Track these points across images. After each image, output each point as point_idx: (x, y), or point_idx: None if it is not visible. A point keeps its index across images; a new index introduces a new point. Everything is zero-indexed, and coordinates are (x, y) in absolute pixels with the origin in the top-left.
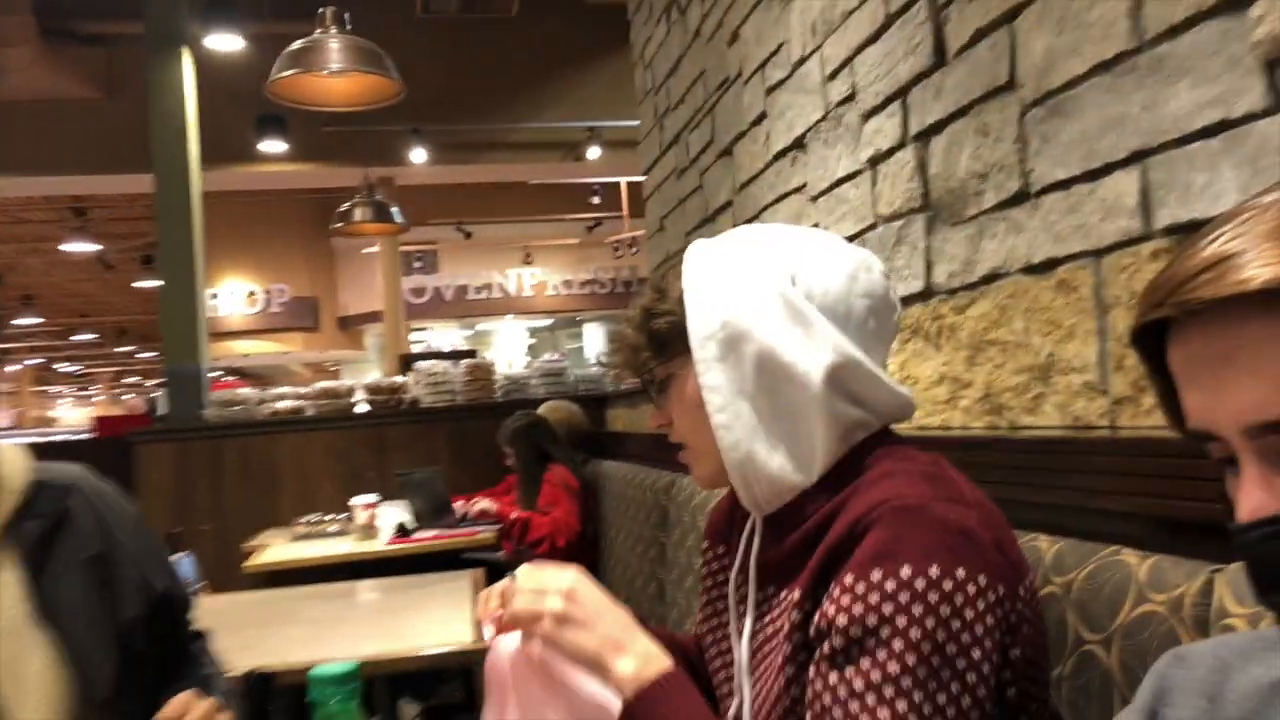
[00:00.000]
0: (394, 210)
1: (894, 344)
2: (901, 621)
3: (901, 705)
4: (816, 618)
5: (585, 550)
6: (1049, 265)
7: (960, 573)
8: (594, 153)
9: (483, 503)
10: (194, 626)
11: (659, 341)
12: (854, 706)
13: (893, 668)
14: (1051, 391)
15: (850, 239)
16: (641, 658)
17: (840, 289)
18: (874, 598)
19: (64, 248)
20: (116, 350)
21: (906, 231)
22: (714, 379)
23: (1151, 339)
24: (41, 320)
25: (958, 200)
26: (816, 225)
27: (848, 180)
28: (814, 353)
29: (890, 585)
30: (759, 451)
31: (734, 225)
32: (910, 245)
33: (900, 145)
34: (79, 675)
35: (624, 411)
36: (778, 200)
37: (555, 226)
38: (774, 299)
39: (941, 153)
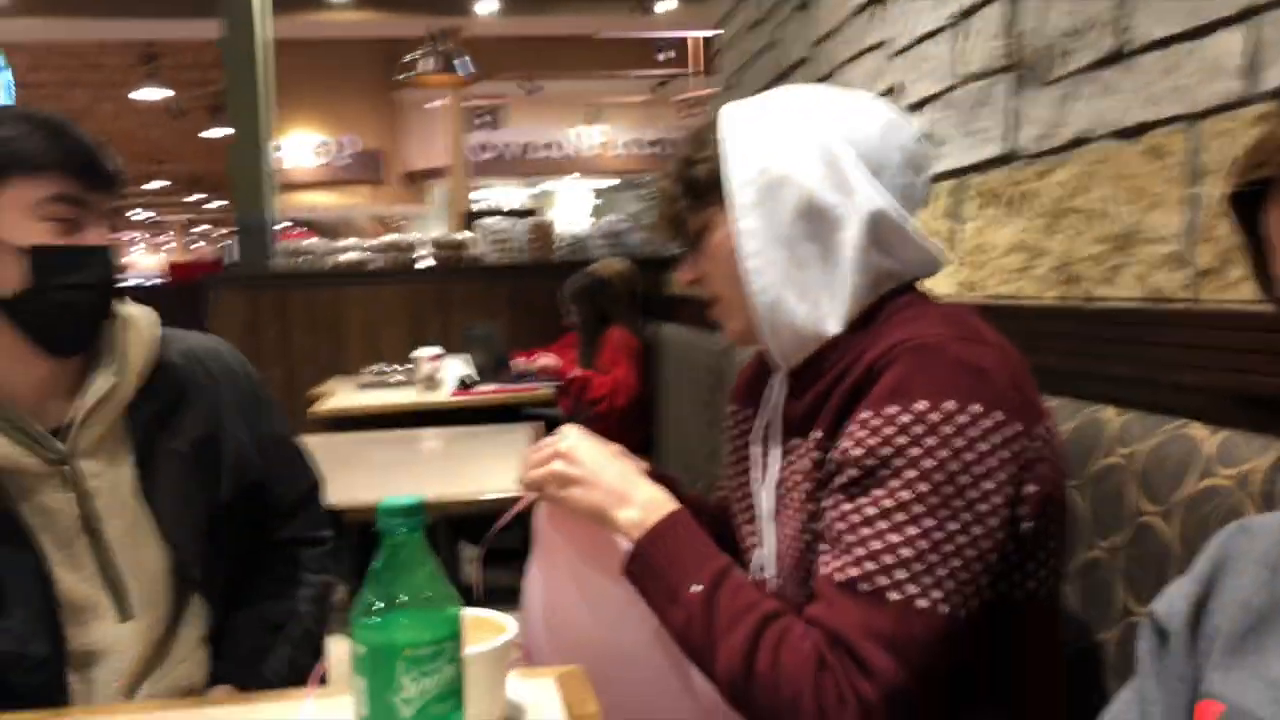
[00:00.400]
0: (460, 62)
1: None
2: (914, 452)
3: (912, 530)
4: (833, 452)
5: (642, 412)
6: (1140, 130)
7: (975, 407)
8: (663, 5)
9: (544, 359)
10: (311, 531)
11: (696, 189)
12: (865, 532)
13: (904, 494)
14: (1131, 262)
15: (930, 100)
16: (644, 506)
17: (877, 140)
18: (888, 430)
19: (135, 95)
20: (187, 199)
21: (990, 92)
22: (749, 224)
23: (1248, 203)
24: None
25: (1046, 60)
26: (895, 85)
27: (930, 37)
28: (851, 201)
29: (905, 418)
30: (788, 299)
31: (808, 83)
32: (993, 107)
33: (989, 0)
34: (174, 555)
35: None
36: (855, 57)
37: (622, 84)
38: (813, 147)
39: (1033, 8)
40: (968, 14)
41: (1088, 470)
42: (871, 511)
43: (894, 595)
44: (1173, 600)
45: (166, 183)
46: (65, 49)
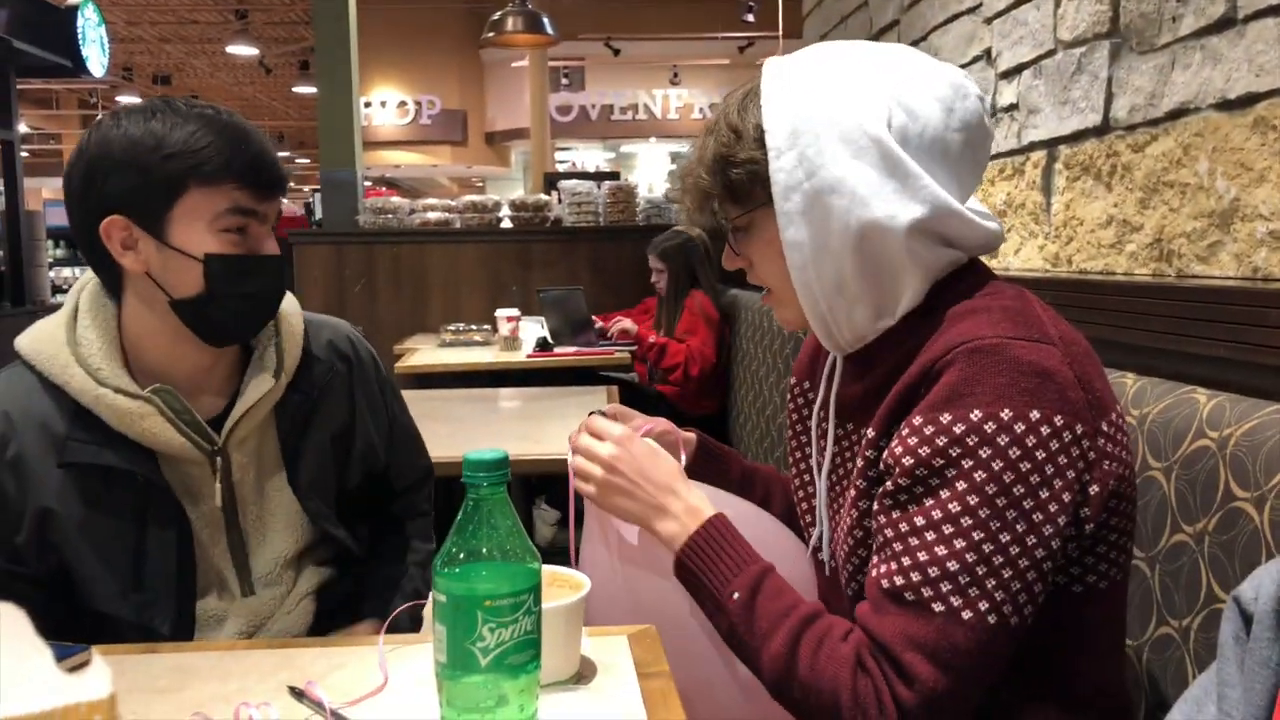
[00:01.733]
0: (545, 20)
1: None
2: (967, 463)
3: (960, 543)
4: (884, 454)
5: (717, 380)
6: (1247, 101)
7: (1034, 415)
8: None
9: (624, 322)
10: (420, 506)
11: (737, 191)
12: (913, 542)
13: (954, 507)
14: (1230, 239)
15: (1023, 67)
16: (681, 516)
17: (937, 125)
18: (941, 440)
19: (228, 49)
20: (285, 156)
21: (1088, 59)
22: (797, 234)
23: None
24: None
25: (1150, 26)
26: (989, 50)
27: (1028, 0)
28: (906, 205)
29: (959, 428)
30: (841, 306)
31: None
32: (1090, 75)
33: None
34: (306, 539)
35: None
36: (948, 21)
37: (705, 46)
38: (866, 147)
39: None
40: None
41: (1177, 453)
42: (920, 522)
43: (938, 607)
44: (1260, 583)
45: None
46: (161, 5)
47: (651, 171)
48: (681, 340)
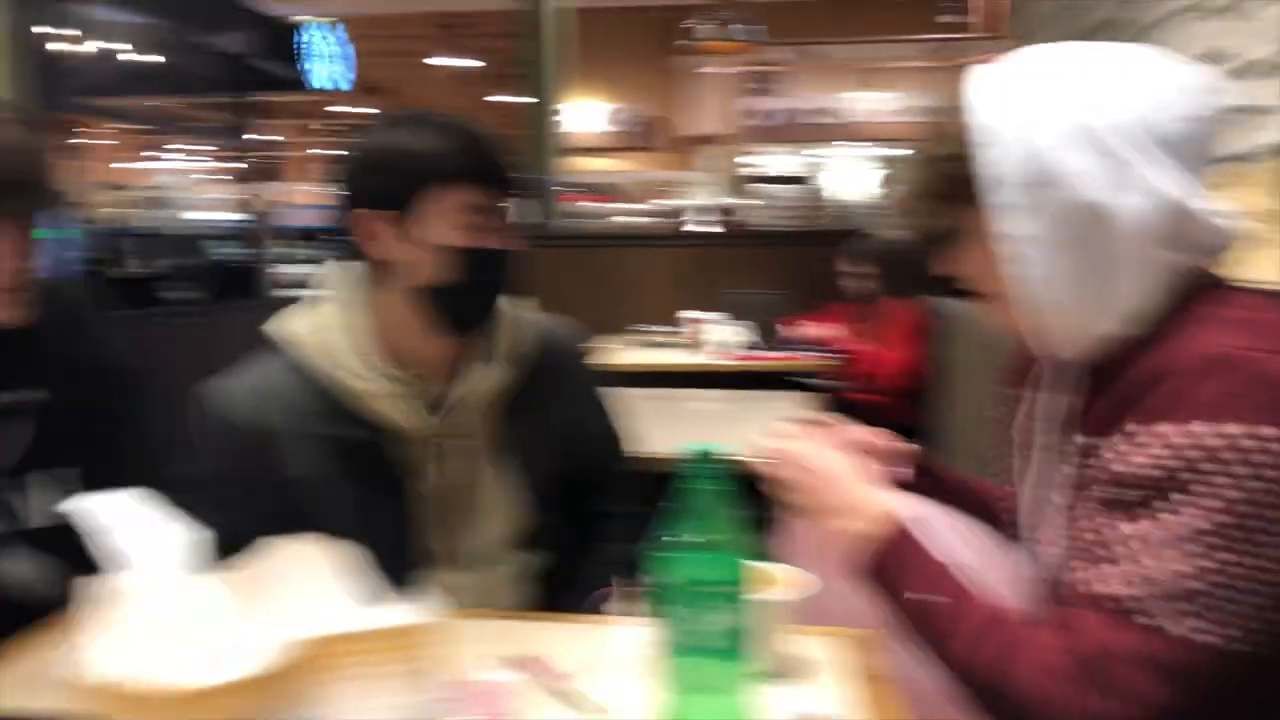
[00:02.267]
0: (738, 28)
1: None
2: (1220, 480)
3: (1204, 563)
4: (1110, 457)
5: (921, 391)
6: None
7: (1266, 430)
8: None
9: (814, 328)
10: (622, 503)
11: (947, 189)
12: (1147, 559)
13: (1201, 524)
14: None
15: (1254, 65)
16: (874, 519)
17: (1158, 117)
18: (1192, 453)
19: (429, 61)
20: None
21: None
22: (1011, 229)
23: None
24: None
25: None
26: (1212, 50)
27: None
28: (1128, 198)
29: (1214, 441)
30: (1057, 305)
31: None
32: None
33: None
34: (516, 524)
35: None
36: (1167, 17)
37: (899, 49)
38: (1083, 137)
39: None
40: None
41: None
42: (1158, 535)
43: (1173, 629)
44: None
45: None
46: (370, 20)
47: (841, 176)
48: (882, 347)
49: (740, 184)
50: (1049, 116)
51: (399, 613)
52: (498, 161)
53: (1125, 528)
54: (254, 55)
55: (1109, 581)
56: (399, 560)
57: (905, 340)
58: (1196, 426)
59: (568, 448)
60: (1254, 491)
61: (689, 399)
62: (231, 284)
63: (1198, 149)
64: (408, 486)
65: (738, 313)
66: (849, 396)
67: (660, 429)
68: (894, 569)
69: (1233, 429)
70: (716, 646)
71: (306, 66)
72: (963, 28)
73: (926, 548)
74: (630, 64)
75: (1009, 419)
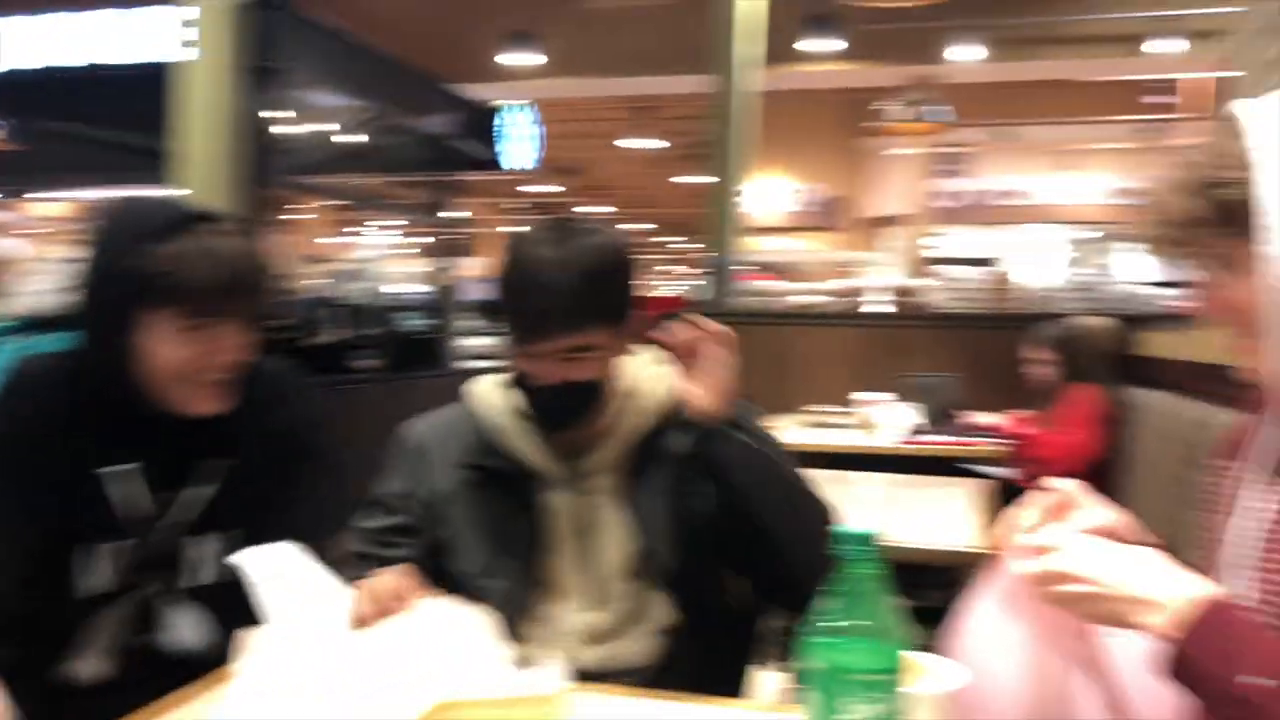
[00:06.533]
0: (929, 110)
1: None
2: None
3: None
4: None
5: (1100, 481)
6: None
7: None
8: (1157, 44)
9: (994, 417)
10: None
11: (1223, 214)
12: None
13: None
14: None
15: None
16: (1170, 608)
17: None
18: None
19: (618, 142)
20: (664, 240)
21: None
22: None
23: None
24: (614, 209)
25: None
26: None
27: None
28: None
29: None
30: None
31: None
32: None
33: None
34: (644, 557)
35: (1160, 335)
36: None
37: (1095, 130)
38: None
39: None
40: None
41: None
42: None
43: None
44: None
45: (651, 225)
46: (567, 103)
47: (1029, 259)
48: (1058, 433)
49: (922, 265)
50: None
51: (538, 680)
52: (530, 310)
53: None
54: (453, 136)
55: None
56: (524, 581)
57: (1084, 426)
58: None
59: (694, 526)
60: None
61: (857, 482)
62: (415, 353)
63: None
64: (538, 517)
65: (911, 395)
66: (1021, 483)
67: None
68: (1220, 651)
69: None
70: None
71: (501, 147)
72: (1168, 109)
73: (1254, 623)
74: (816, 145)
75: (1213, 491)
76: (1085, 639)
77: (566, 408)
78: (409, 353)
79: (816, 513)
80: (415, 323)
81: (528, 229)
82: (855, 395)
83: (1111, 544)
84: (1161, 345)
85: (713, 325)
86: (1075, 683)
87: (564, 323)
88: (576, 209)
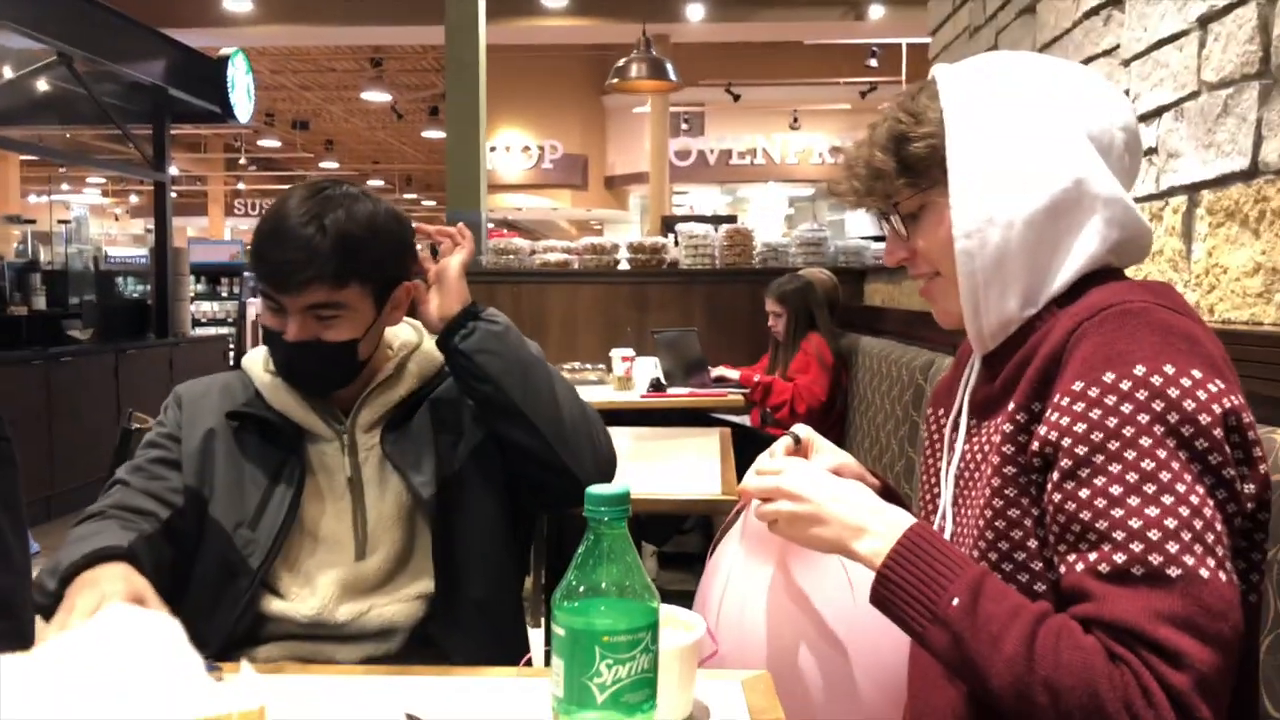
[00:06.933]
0: (668, 67)
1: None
2: (1144, 418)
3: (1168, 499)
4: (1044, 430)
5: (831, 423)
6: None
7: (1196, 373)
8: (876, 11)
9: (723, 370)
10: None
11: (914, 167)
12: (1118, 513)
13: (1147, 464)
14: None
15: (1166, 109)
16: (882, 532)
17: (1104, 120)
18: (1110, 399)
19: (362, 96)
20: (404, 197)
21: (1235, 101)
22: (969, 203)
23: None
24: (338, 165)
25: None
26: (1127, 91)
27: (1170, 41)
28: (1080, 186)
29: (1126, 384)
30: (996, 286)
31: None
32: (1238, 117)
33: (1241, 1)
34: (412, 499)
35: (883, 286)
36: (1084, 63)
37: (826, 90)
38: (1044, 128)
39: None
40: (1215, 17)
41: None
42: (1117, 490)
43: (1174, 570)
44: None
45: (381, 182)
46: (302, 54)
47: (769, 215)
48: (790, 379)
49: (669, 222)
50: (1013, 114)
51: (234, 696)
52: (281, 265)
53: (1095, 493)
54: (172, 85)
55: (1109, 552)
56: (277, 543)
57: (812, 372)
58: (1109, 375)
59: (467, 453)
60: (1176, 424)
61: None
62: (133, 321)
63: (1131, 160)
64: (321, 481)
65: (665, 350)
66: (758, 429)
67: None
68: (920, 576)
69: (1140, 369)
70: (624, 698)
71: (223, 98)
72: (892, 71)
73: (951, 550)
74: (562, 102)
75: (935, 436)
76: (822, 574)
77: (313, 368)
78: (127, 321)
79: (568, 387)
80: (135, 289)
81: (294, 188)
82: (609, 352)
83: (829, 474)
84: (881, 295)
85: (443, 228)
86: (814, 618)
87: (312, 276)
88: (314, 168)
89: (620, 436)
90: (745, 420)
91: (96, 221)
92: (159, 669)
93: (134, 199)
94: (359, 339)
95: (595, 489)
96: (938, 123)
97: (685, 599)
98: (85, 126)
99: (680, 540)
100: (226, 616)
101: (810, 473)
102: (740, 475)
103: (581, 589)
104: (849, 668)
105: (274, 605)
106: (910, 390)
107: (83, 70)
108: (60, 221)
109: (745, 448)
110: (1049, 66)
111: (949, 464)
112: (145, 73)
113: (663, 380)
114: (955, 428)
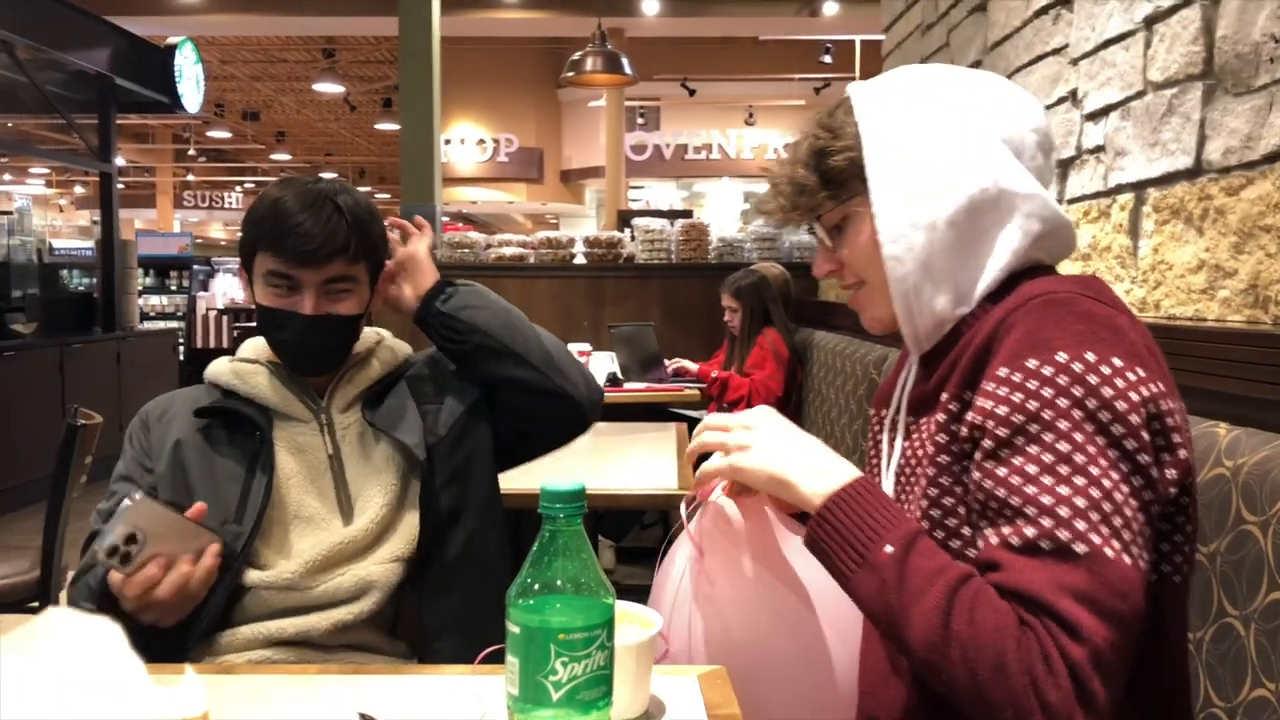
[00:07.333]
0: (624, 61)
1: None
2: (1063, 403)
3: (1080, 480)
4: (971, 415)
5: (787, 417)
6: None
7: (1117, 360)
8: (831, 8)
9: (681, 362)
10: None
11: (835, 180)
12: (1032, 490)
13: (1063, 446)
14: None
15: (1113, 107)
16: (828, 473)
17: (1016, 122)
18: (1032, 383)
19: (315, 87)
20: (373, 191)
21: (1180, 101)
22: (892, 210)
23: None
24: (290, 157)
25: (1246, 67)
26: (1075, 91)
27: (1117, 41)
28: (997, 186)
29: (1048, 370)
30: (926, 286)
31: None
32: (1182, 117)
33: (1185, 3)
34: (396, 470)
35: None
36: (1033, 62)
37: (781, 86)
38: (957, 131)
39: (1235, 11)
40: (1161, 17)
41: (1275, 506)
42: (1033, 469)
43: (1081, 547)
44: None
45: (334, 175)
46: (253, 44)
47: (724, 210)
48: (747, 375)
49: (626, 217)
50: (926, 119)
51: (177, 702)
52: (297, 234)
53: (1014, 470)
54: (118, 74)
55: (1022, 526)
56: (258, 528)
57: (767, 366)
58: (1032, 361)
59: (447, 416)
60: (1094, 410)
61: None
62: (79, 315)
63: (1042, 160)
64: (298, 461)
65: (621, 345)
66: None
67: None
68: (858, 520)
69: (1062, 356)
70: (579, 695)
71: (171, 88)
72: (846, 67)
73: (891, 504)
74: (518, 96)
75: (878, 436)
76: (778, 568)
77: (325, 341)
78: (72, 315)
79: (543, 330)
80: (80, 282)
81: (279, 181)
82: (568, 346)
83: (782, 422)
84: (835, 290)
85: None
86: (769, 612)
87: (336, 249)
88: (266, 160)
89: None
90: (702, 415)
91: (40, 213)
92: (100, 675)
93: (79, 190)
94: (362, 314)
95: (550, 486)
96: (854, 136)
97: (644, 594)
98: (28, 115)
99: (639, 535)
100: (218, 601)
101: (767, 411)
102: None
103: (536, 586)
104: (804, 663)
105: (251, 575)
106: (864, 384)
107: (25, 58)
108: (2, 213)
109: None
110: (960, 76)
111: (889, 463)
112: (90, 61)
113: (619, 375)
114: (894, 427)
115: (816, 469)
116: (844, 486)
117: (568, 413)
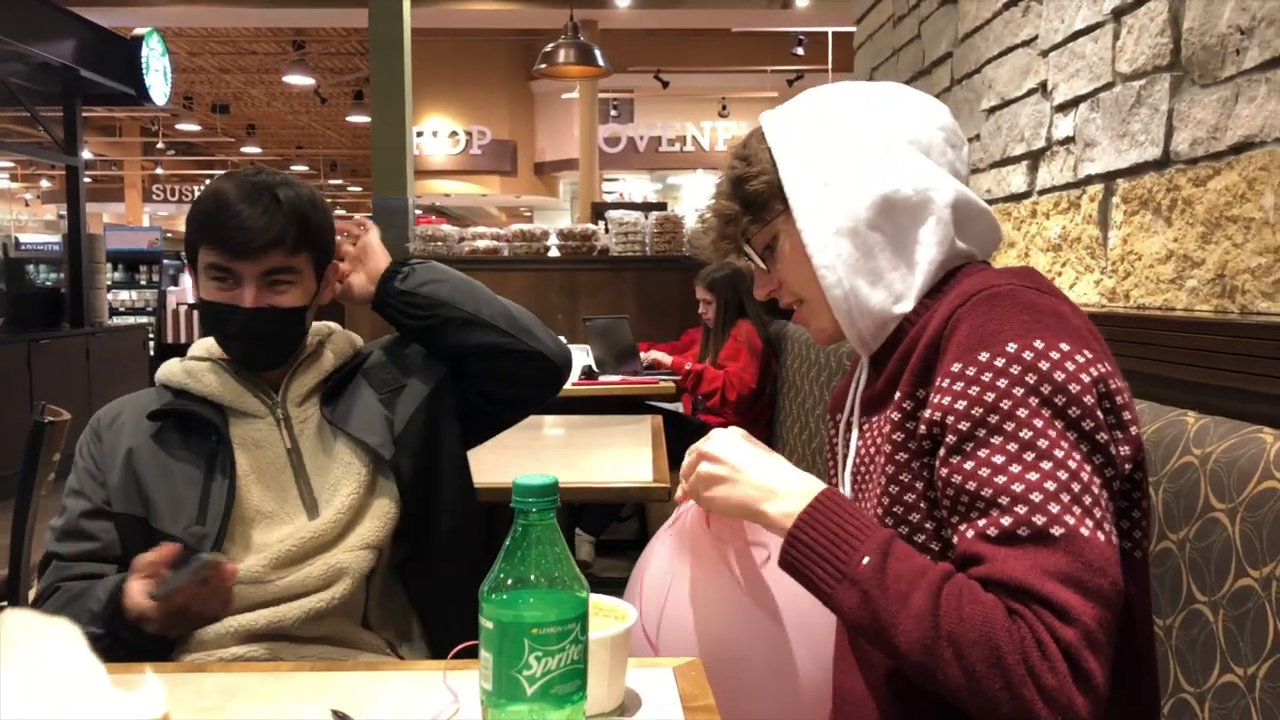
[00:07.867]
0: (597, 53)
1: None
2: (1019, 391)
3: (1047, 464)
4: (928, 413)
5: (761, 409)
6: None
7: (1064, 345)
8: (803, 0)
9: (656, 354)
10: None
11: (756, 204)
12: (1001, 480)
13: (1025, 434)
14: None
15: (1079, 100)
16: (793, 495)
17: (920, 123)
18: (986, 376)
19: (285, 79)
20: (329, 183)
21: (1148, 92)
22: (814, 224)
23: None
24: (260, 151)
25: (1213, 59)
26: (1045, 83)
27: (1086, 33)
28: (909, 184)
29: (999, 361)
30: (861, 287)
31: (952, 79)
32: (1150, 108)
33: None
34: (359, 461)
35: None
36: (1003, 54)
37: (754, 78)
38: (864, 138)
39: (1201, 3)
40: (1128, 10)
41: (1242, 494)
42: (1000, 459)
43: (1057, 530)
44: None
45: (305, 168)
46: (221, 36)
47: (698, 202)
48: (721, 367)
49: (600, 209)
50: (834, 132)
51: (136, 705)
52: (236, 226)
53: (980, 463)
54: (83, 65)
55: (997, 517)
56: (224, 527)
57: (741, 358)
58: (983, 354)
59: (406, 405)
60: (1049, 395)
61: (545, 425)
62: (45, 311)
63: (952, 155)
64: (257, 457)
65: (596, 337)
66: (700, 417)
67: (513, 458)
68: (830, 537)
69: (1011, 346)
70: (553, 690)
71: (138, 80)
72: (819, 59)
73: (860, 513)
74: (490, 88)
75: (835, 437)
76: (754, 565)
77: (268, 332)
78: (39, 310)
79: (507, 300)
80: (48, 277)
81: (225, 175)
82: None
83: (748, 442)
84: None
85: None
86: (746, 608)
87: (272, 241)
88: (236, 152)
89: (552, 425)
90: (677, 407)
91: (5, 207)
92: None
93: (45, 184)
94: (307, 307)
95: (523, 479)
96: (769, 160)
97: (621, 587)
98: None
99: (616, 528)
100: None
101: (729, 438)
102: (672, 462)
103: (510, 581)
104: (779, 657)
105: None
106: (838, 376)
107: None
108: None
109: (677, 435)
110: (862, 89)
111: (845, 463)
112: (54, 52)
113: (594, 368)
114: (849, 428)
115: (782, 492)
116: (810, 505)
117: (541, 373)
